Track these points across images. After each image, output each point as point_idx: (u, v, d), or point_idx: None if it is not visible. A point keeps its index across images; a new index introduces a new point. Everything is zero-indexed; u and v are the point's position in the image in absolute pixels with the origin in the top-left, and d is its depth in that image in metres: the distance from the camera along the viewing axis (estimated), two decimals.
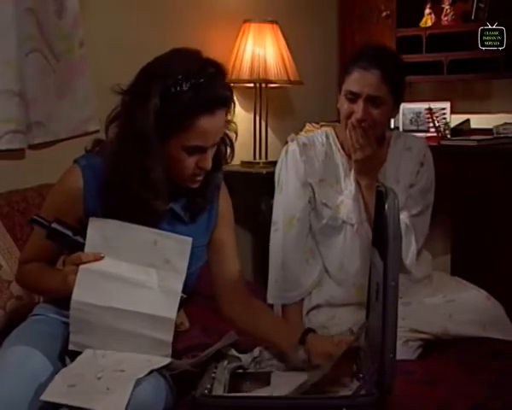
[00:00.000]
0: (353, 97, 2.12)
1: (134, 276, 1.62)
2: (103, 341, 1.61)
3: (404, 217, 2.13)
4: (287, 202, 2.23)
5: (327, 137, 2.26)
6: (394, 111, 2.24)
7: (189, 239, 1.67)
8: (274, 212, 2.27)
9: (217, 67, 1.64)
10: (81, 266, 1.60)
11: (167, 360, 1.58)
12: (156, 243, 1.64)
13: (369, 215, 2.10)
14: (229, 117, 1.72)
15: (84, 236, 1.64)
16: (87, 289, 1.60)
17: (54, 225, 1.64)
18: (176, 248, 1.65)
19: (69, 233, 1.64)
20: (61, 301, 1.67)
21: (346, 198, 2.20)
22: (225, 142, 1.76)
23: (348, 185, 2.21)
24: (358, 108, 2.11)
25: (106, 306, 1.59)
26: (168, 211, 1.72)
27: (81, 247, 1.64)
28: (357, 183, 2.18)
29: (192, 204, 1.75)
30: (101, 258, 1.62)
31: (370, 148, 2.12)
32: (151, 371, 1.52)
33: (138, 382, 1.47)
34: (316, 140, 2.26)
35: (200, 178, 1.69)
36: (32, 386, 1.50)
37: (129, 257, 1.63)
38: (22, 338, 1.63)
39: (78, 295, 1.59)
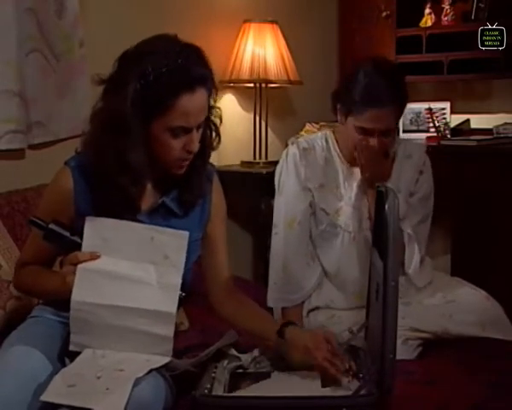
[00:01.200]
0: (365, 131, 2.11)
1: (132, 273, 1.62)
2: (104, 340, 1.61)
3: (405, 227, 2.14)
4: (287, 204, 2.23)
5: (326, 141, 2.25)
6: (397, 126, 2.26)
7: (186, 233, 1.66)
8: (275, 215, 2.27)
9: (194, 49, 1.64)
10: (79, 266, 1.60)
11: (167, 360, 1.58)
12: (153, 240, 1.64)
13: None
14: (212, 102, 1.72)
15: (81, 236, 1.64)
16: (86, 288, 1.60)
17: (51, 226, 1.64)
18: (173, 243, 1.65)
19: (66, 234, 1.65)
20: (60, 302, 1.67)
21: (345, 205, 2.20)
22: (210, 127, 1.76)
23: (348, 192, 2.21)
24: (373, 142, 2.10)
25: (106, 304, 1.59)
26: (161, 206, 1.73)
27: (78, 247, 1.64)
28: (359, 191, 2.18)
29: (184, 197, 1.75)
30: (98, 257, 1.62)
31: (379, 166, 2.14)
32: (150, 371, 1.52)
33: (137, 381, 1.47)
34: (316, 144, 2.25)
35: (186, 162, 1.69)
36: (31, 386, 1.50)
37: (126, 255, 1.63)
38: (21, 339, 1.63)
39: (77, 296, 1.59)
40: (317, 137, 2.30)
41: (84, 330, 1.61)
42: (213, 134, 1.77)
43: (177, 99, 1.59)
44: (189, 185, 1.74)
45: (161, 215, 1.73)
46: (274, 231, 2.25)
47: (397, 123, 2.23)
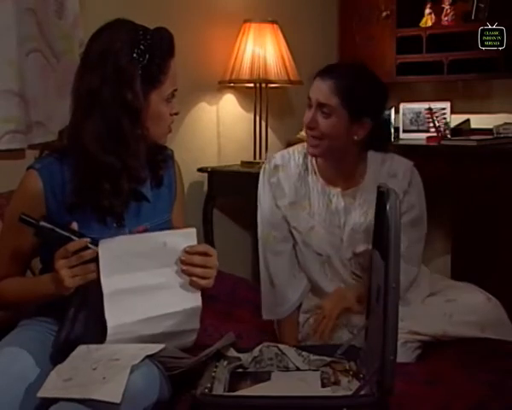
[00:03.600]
0: (309, 103, 2.12)
1: (153, 282, 1.66)
2: None
3: None
4: (263, 219, 2.25)
5: (305, 156, 2.21)
6: (353, 128, 2.09)
7: (193, 230, 1.71)
8: (258, 228, 2.28)
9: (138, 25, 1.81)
10: (104, 293, 1.62)
11: (161, 347, 1.59)
12: (166, 245, 1.68)
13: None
14: None
15: (70, 231, 1.65)
16: (117, 311, 1.62)
17: (42, 223, 1.65)
18: (183, 241, 1.69)
19: (57, 229, 1.65)
20: (47, 309, 1.69)
21: (317, 225, 2.17)
22: None
23: (322, 211, 2.17)
24: (308, 114, 2.11)
25: (139, 319, 1.64)
26: (133, 192, 1.75)
27: (69, 241, 1.64)
28: (334, 217, 2.16)
29: (154, 176, 1.80)
30: (86, 242, 1.61)
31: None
32: (145, 358, 1.52)
33: (131, 371, 1.47)
34: (292, 160, 2.21)
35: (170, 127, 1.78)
36: (21, 386, 1.52)
37: (144, 266, 1.66)
38: (10, 343, 1.63)
39: (112, 321, 1.62)
40: (295, 151, 2.25)
41: None
42: None
43: (168, 66, 1.69)
44: (156, 162, 1.80)
45: (133, 201, 1.76)
46: (259, 243, 2.27)
47: (345, 115, 2.07)
